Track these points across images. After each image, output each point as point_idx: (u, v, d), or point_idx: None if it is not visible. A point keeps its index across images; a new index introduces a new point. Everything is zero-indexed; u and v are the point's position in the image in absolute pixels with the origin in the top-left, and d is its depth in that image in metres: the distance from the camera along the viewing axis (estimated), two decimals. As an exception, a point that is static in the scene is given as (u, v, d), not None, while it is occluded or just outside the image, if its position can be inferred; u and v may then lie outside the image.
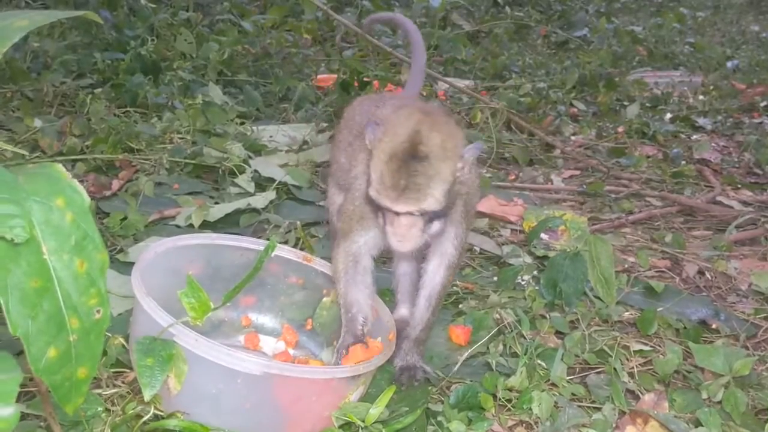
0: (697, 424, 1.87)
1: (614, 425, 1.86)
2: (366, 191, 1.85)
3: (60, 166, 1.12)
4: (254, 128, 3.86)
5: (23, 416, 1.68)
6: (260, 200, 2.98)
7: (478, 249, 2.87)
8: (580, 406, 1.94)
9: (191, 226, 2.77)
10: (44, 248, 1.04)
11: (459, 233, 2.02)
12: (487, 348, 2.16)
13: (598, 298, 2.43)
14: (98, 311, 1.09)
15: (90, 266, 1.09)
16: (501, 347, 2.14)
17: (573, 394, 1.98)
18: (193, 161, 3.31)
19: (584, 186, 3.71)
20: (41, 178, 1.09)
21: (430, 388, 1.97)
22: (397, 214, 1.77)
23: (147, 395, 1.49)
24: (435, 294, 2.06)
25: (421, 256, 2.09)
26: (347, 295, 2.03)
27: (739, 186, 3.92)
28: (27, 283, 1.01)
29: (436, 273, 2.05)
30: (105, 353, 1.88)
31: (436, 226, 1.83)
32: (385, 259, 2.60)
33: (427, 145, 1.75)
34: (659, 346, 2.27)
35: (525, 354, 2.04)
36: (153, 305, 1.68)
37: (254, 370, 1.66)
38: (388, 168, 1.75)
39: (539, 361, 2.02)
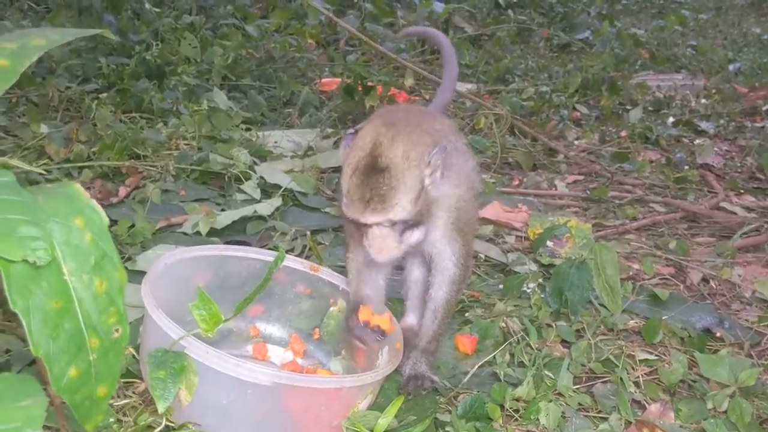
0: (703, 434, 1.89)
1: (621, 435, 1.88)
2: (341, 206, 1.93)
3: (78, 186, 1.14)
4: (259, 134, 3.87)
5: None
6: (266, 207, 2.99)
7: (483, 256, 2.88)
8: (586, 416, 1.96)
9: (198, 233, 2.78)
10: (65, 269, 1.06)
11: (456, 249, 2.03)
12: (494, 357, 2.17)
13: (604, 306, 2.44)
14: (117, 330, 1.11)
15: (109, 285, 1.11)
16: (508, 357, 2.16)
17: (580, 404, 2.00)
18: (199, 167, 3.32)
19: (588, 192, 3.73)
20: (60, 199, 1.11)
21: (437, 397, 1.99)
22: (367, 225, 1.84)
23: (161, 408, 1.51)
24: (440, 309, 2.08)
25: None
26: (357, 292, 2.08)
27: (742, 191, 3.93)
28: (48, 304, 1.03)
29: (439, 289, 2.08)
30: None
31: (414, 234, 1.89)
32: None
33: (387, 156, 1.82)
34: (664, 354, 2.29)
35: (533, 364, 2.06)
36: (163, 318, 1.70)
37: (264, 380, 1.68)
38: (353, 182, 1.84)
39: (546, 372, 2.04)
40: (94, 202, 1.13)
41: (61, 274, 1.05)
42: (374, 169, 1.81)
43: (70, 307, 1.05)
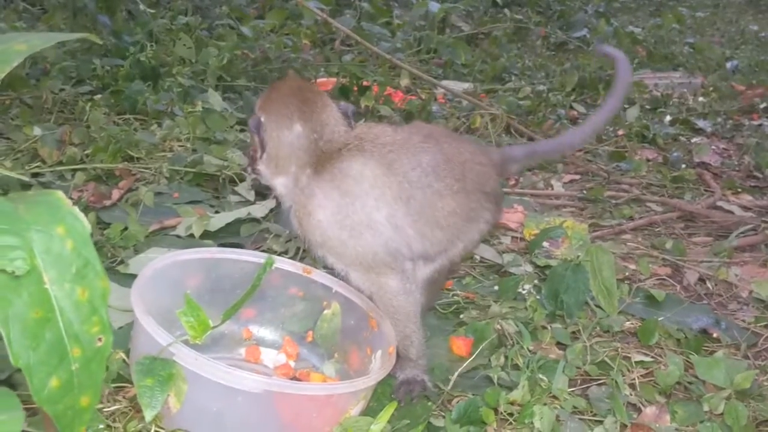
0: (699, 437, 1.87)
1: (616, 439, 1.87)
2: None
3: (60, 194, 1.12)
4: (254, 135, 3.85)
5: (25, 434, 1.68)
6: (260, 209, 2.97)
7: (478, 257, 2.87)
8: (581, 420, 1.94)
9: (192, 236, 2.76)
10: (45, 278, 1.04)
11: (349, 274, 2.07)
12: (489, 360, 2.16)
13: (599, 307, 2.43)
14: (100, 339, 1.09)
15: (91, 294, 1.08)
16: (502, 359, 2.14)
17: (574, 407, 1.98)
18: (193, 170, 3.30)
19: (584, 191, 3.71)
20: (41, 206, 1.09)
21: (429, 403, 1.96)
22: None
23: (148, 416, 1.49)
24: (390, 322, 2.05)
25: None
26: None
27: (739, 190, 3.91)
28: (28, 314, 1.01)
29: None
30: (106, 368, 1.87)
31: (258, 162, 2.13)
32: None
33: (309, 88, 2.13)
34: (660, 356, 2.27)
35: (527, 367, 2.04)
36: (152, 324, 1.68)
37: (254, 388, 1.66)
38: None
39: (541, 375, 2.02)
40: (77, 209, 1.11)
41: (41, 283, 1.03)
42: (290, 80, 2.19)
43: (51, 317, 1.03)
